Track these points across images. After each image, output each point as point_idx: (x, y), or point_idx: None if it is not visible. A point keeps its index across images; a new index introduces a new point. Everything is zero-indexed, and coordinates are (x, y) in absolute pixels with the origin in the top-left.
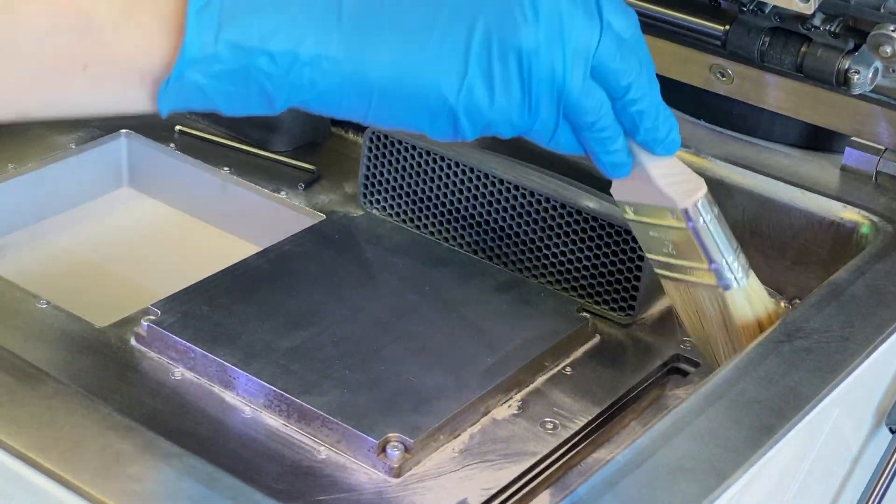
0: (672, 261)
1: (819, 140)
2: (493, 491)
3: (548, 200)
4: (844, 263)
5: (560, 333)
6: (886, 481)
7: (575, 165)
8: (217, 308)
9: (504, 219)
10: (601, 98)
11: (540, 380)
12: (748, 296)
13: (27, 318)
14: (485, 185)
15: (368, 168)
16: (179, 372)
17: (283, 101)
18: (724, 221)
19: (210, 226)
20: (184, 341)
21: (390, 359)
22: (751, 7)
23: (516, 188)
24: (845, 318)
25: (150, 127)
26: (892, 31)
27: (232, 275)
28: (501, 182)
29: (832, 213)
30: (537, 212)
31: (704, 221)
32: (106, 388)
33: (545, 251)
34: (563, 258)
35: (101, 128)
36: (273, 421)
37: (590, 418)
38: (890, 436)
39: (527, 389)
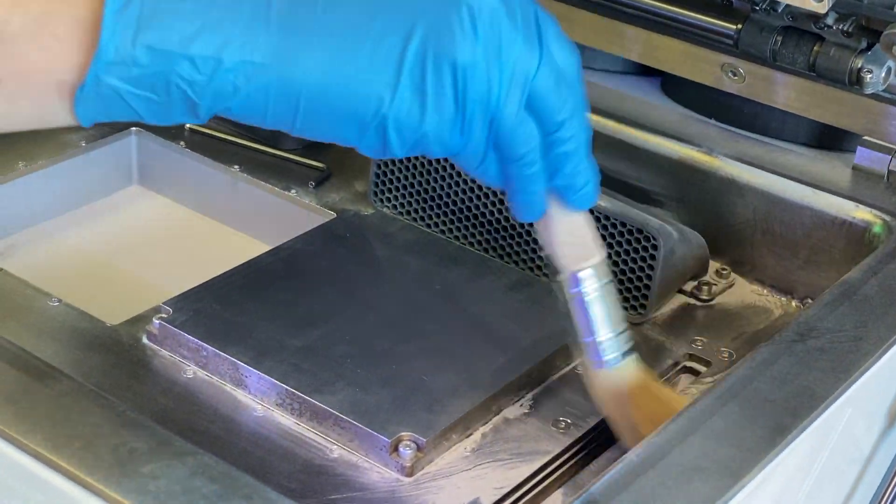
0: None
1: (831, 139)
2: (506, 490)
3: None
4: (856, 263)
5: (572, 332)
6: None
7: None
8: (228, 306)
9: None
10: (532, 131)
11: (552, 379)
12: (618, 379)
13: (39, 316)
14: None
15: (379, 166)
16: (191, 370)
17: (206, 108)
18: (611, 296)
19: (220, 224)
20: (196, 339)
21: (402, 357)
22: (763, 6)
23: None
24: (858, 317)
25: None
26: None
27: (243, 273)
28: None
29: (844, 212)
30: None
31: (585, 293)
32: (118, 386)
33: None
34: None
35: (111, 126)
36: (285, 419)
37: (602, 417)
38: None
39: (539, 388)
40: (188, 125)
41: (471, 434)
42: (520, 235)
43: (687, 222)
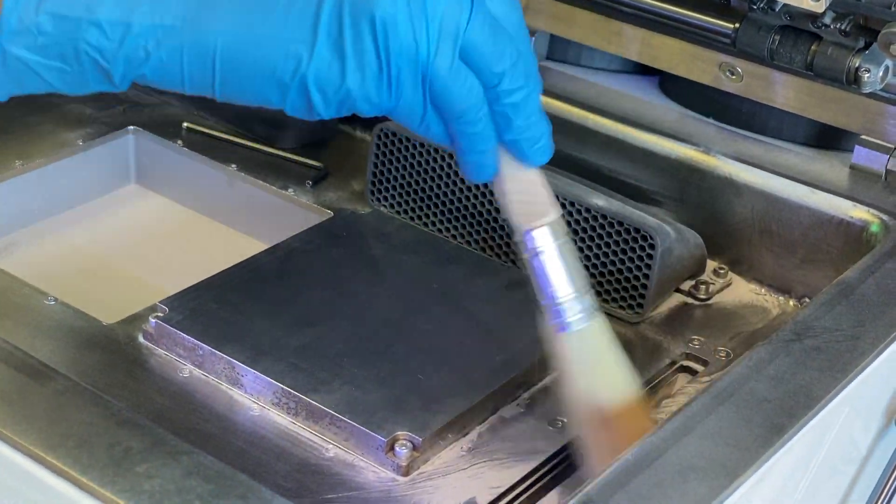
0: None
1: (828, 138)
2: (502, 489)
3: (556, 198)
4: (854, 262)
5: None
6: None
7: (583, 163)
8: (225, 305)
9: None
10: (472, 84)
11: (548, 378)
12: (584, 340)
13: (35, 315)
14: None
15: (376, 165)
16: (188, 369)
17: (120, 75)
18: (571, 256)
19: (217, 222)
20: (192, 338)
21: (398, 357)
22: (761, 5)
23: None
24: (855, 317)
25: (158, 124)
26: None
27: (240, 272)
28: None
29: (842, 211)
30: None
31: (539, 252)
32: (114, 385)
33: None
34: None
35: (108, 125)
36: (281, 419)
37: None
38: None
39: (535, 388)
40: (186, 124)
41: (467, 433)
42: None
43: (685, 221)
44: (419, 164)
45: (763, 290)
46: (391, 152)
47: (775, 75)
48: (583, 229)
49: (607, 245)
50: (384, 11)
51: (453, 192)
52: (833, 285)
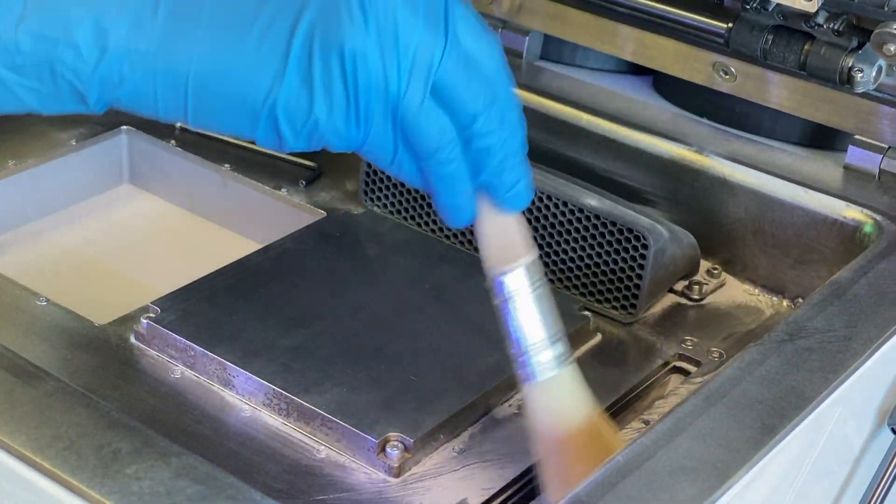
0: None
1: (822, 138)
2: (494, 490)
3: (549, 198)
4: (847, 262)
5: None
6: (888, 482)
7: (576, 163)
8: (217, 306)
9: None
10: (444, 123)
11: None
12: (551, 393)
13: (26, 315)
14: None
15: (370, 165)
16: (179, 370)
17: (95, 98)
18: (545, 301)
19: (210, 223)
20: (183, 339)
21: (391, 357)
22: (754, 5)
23: None
24: (848, 317)
25: (151, 124)
26: None
27: (232, 272)
28: None
29: (835, 211)
30: (539, 209)
31: (508, 298)
32: (105, 385)
33: (546, 249)
34: (564, 256)
35: (101, 124)
36: (272, 420)
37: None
38: (892, 436)
39: None
40: (178, 123)
41: (459, 434)
42: None
43: (678, 221)
44: None
45: (756, 291)
46: None
47: (769, 75)
48: (575, 229)
49: (600, 245)
50: (354, 44)
51: None
52: (826, 286)
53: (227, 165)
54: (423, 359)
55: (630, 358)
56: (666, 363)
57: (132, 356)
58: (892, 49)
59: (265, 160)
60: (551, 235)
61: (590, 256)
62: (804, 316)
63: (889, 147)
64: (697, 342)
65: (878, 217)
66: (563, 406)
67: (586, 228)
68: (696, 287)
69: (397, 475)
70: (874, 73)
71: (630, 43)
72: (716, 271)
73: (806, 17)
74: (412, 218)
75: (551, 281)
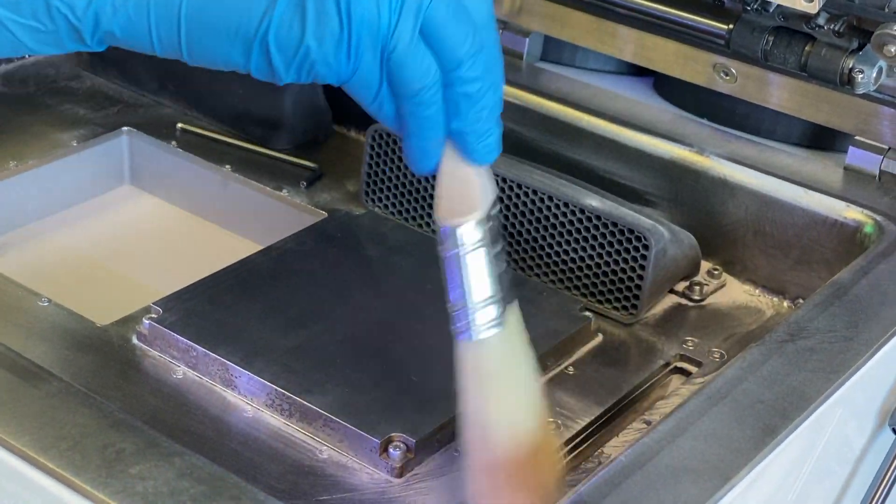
0: None
1: (822, 139)
2: None
3: (550, 199)
4: (848, 263)
5: (562, 333)
6: (889, 482)
7: (577, 164)
8: (219, 306)
9: (506, 217)
10: (429, 64)
11: (542, 379)
12: (479, 354)
13: (28, 316)
14: None
15: (371, 166)
16: (181, 371)
17: (90, 33)
18: (494, 260)
19: (211, 223)
20: (185, 340)
21: (392, 358)
22: (754, 6)
23: (518, 186)
24: (849, 318)
25: (152, 125)
26: None
27: (234, 273)
28: (504, 180)
29: (835, 212)
30: (540, 210)
31: (457, 251)
32: (107, 386)
33: (547, 250)
34: (565, 257)
35: (102, 125)
36: (275, 420)
37: (592, 418)
38: (893, 437)
39: None
40: (180, 124)
41: (461, 435)
42: (511, 236)
43: (679, 222)
44: None
45: (757, 291)
46: (385, 153)
47: (769, 76)
48: (577, 230)
49: (601, 246)
50: None
51: None
52: (826, 286)
53: (227, 166)
54: (424, 359)
55: (631, 358)
56: (667, 364)
57: (134, 357)
58: (892, 50)
59: (266, 161)
60: (552, 236)
61: (591, 257)
62: (805, 316)
63: (889, 148)
64: (698, 343)
65: (879, 218)
66: (497, 368)
67: (587, 229)
68: (697, 288)
69: (400, 475)
70: (874, 75)
71: (630, 44)
72: (716, 272)
73: (807, 18)
74: (413, 219)
75: (552, 282)
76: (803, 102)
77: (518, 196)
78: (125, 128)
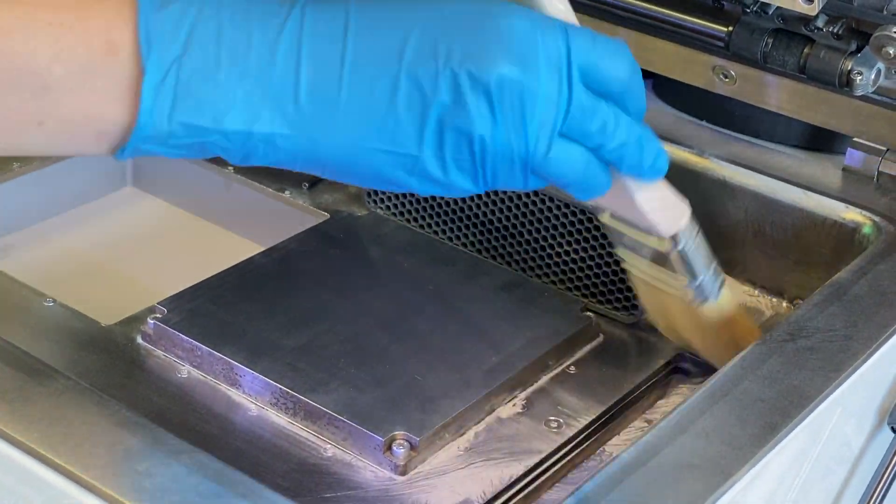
0: (647, 268)
1: (821, 141)
2: (499, 488)
3: (551, 200)
4: (846, 264)
5: (564, 333)
6: (888, 480)
7: None
8: (223, 306)
9: (508, 218)
10: (576, 159)
11: (544, 379)
12: (721, 307)
13: (33, 316)
14: None
15: None
16: (186, 370)
17: (237, 162)
18: (702, 238)
19: (214, 225)
20: (190, 339)
21: (395, 358)
22: (754, 9)
23: None
24: (848, 317)
25: None
26: (895, 32)
27: (237, 273)
28: None
29: (834, 213)
30: (541, 211)
31: (686, 245)
32: (112, 385)
33: (549, 251)
34: (566, 258)
35: None
36: (279, 419)
37: (594, 417)
38: (892, 435)
39: (531, 388)
40: None
41: (464, 433)
42: (512, 236)
43: None
44: None
45: (756, 292)
46: None
47: (768, 78)
48: (577, 231)
49: (602, 247)
50: (483, 132)
51: None
52: (826, 286)
53: (230, 168)
54: (426, 359)
55: (632, 358)
56: (667, 363)
57: (139, 356)
58: (890, 52)
59: None
60: (553, 237)
61: (592, 258)
62: (805, 316)
63: (887, 149)
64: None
65: (877, 219)
66: (733, 314)
67: (588, 230)
68: None
69: (403, 473)
70: (873, 76)
71: (630, 46)
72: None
73: (806, 20)
74: (415, 220)
75: (553, 282)
76: (802, 104)
77: (520, 197)
78: None
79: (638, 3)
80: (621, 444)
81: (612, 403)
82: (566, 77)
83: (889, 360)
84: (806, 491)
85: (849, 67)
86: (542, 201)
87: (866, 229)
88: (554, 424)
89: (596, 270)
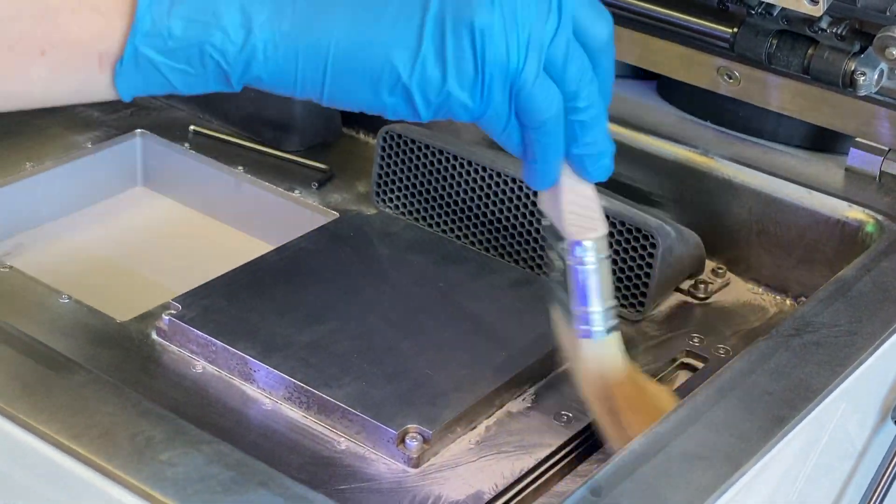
0: (558, 284)
1: (824, 141)
2: (511, 481)
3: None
4: (849, 262)
5: None
6: (892, 474)
7: None
8: (236, 303)
9: (515, 216)
10: (554, 97)
11: (553, 374)
12: (602, 351)
13: (50, 312)
14: (496, 184)
15: (381, 167)
16: (200, 365)
17: (238, 77)
18: (607, 272)
19: (224, 224)
20: (205, 335)
21: (407, 353)
22: (759, 10)
23: (527, 186)
24: (852, 313)
25: (165, 127)
26: None
27: (249, 271)
28: (513, 180)
29: (837, 212)
30: None
31: (583, 263)
32: (129, 380)
33: None
34: None
35: (116, 128)
36: (293, 413)
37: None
38: (895, 430)
39: (540, 383)
40: (192, 127)
41: (475, 427)
42: (520, 235)
43: (684, 222)
44: (424, 165)
45: (760, 290)
46: (396, 154)
47: (772, 79)
48: None
49: (609, 245)
50: (482, 21)
51: (457, 194)
52: (831, 283)
53: (240, 168)
54: (437, 354)
55: (639, 354)
56: (674, 359)
57: (154, 352)
58: (894, 53)
59: (278, 163)
60: None
61: None
62: (810, 312)
63: (890, 149)
64: (704, 339)
65: (880, 217)
66: (614, 363)
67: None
68: (702, 286)
69: (416, 466)
70: (876, 77)
71: (635, 47)
72: (721, 271)
73: (810, 21)
74: (423, 219)
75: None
76: (805, 105)
77: (527, 196)
78: (138, 130)
79: (643, 4)
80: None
81: None
82: (557, 5)
83: (893, 355)
84: (812, 482)
85: (852, 68)
86: None
87: (869, 227)
88: (563, 418)
89: None
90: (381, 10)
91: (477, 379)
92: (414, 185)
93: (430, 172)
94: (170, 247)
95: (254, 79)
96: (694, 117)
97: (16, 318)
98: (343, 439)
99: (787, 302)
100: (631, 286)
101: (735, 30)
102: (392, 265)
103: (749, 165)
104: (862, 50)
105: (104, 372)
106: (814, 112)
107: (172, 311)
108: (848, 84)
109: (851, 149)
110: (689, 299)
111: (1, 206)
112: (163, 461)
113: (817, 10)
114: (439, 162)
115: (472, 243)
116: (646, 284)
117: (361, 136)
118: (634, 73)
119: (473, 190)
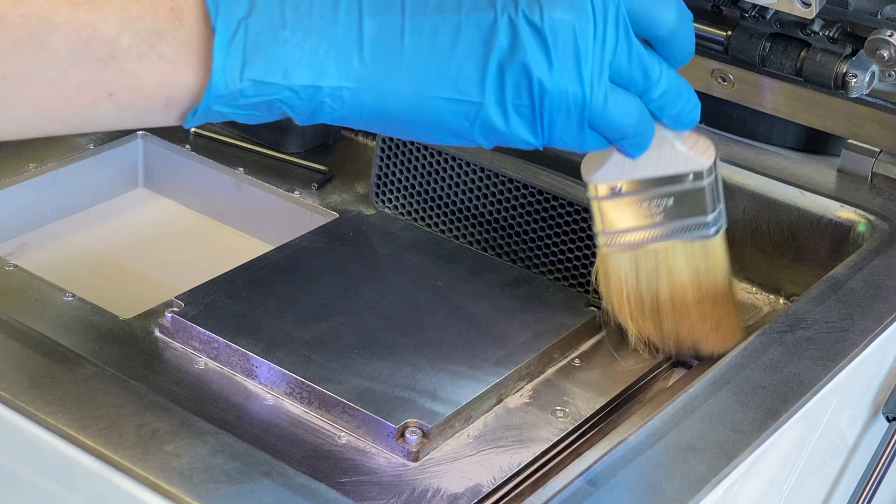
0: (647, 232)
1: (817, 143)
2: (508, 474)
3: (556, 199)
4: (841, 261)
5: (569, 326)
6: (883, 467)
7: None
8: (238, 301)
9: (514, 217)
10: (631, 105)
11: (550, 371)
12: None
13: (54, 309)
14: (494, 184)
15: (381, 168)
16: (203, 361)
17: (303, 121)
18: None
19: (225, 225)
20: (207, 332)
21: (406, 350)
22: (752, 13)
23: (525, 187)
24: (845, 310)
25: (166, 129)
26: (889, 35)
27: (251, 269)
28: (511, 181)
29: (830, 212)
30: (546, 210)
31: (718, 174)
32: (132, 376)
33: (553, 248)
34: (570, 255)
35: (118, 130)
36: (295, 408)
37: (598, 407)
38: (886, 425)
39: (538, 380)
40: (193, 129)
41: (473, 422)
42: (517, 234)
43: None
44: (423, 166)
45: (754, 289)
46: (395, 155)
47: (766, 81)
48: (581, 228)
49: None
50: (540, 73)
51: (455, 194)
52: (823, 280)
53: (240, 169)
54: (435, 351)
55: (634, 351)
56: (669, 356)
57: (157, 348)
58: (884, 55)
59: (277, 164)
60: (558, 235)
61: (594, 255)
62: (803, 308)
63: (881, 150)
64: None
65: (871, 217)
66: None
67: (590, 227)
68: None
69: (416, 459)
70: (867, 79)
71: None
72: None
73: (802, 24)
74: (422, 219)
75: (557, 278)
76: (798, 107)
77: (525, 196)
78: (140, 132)
79: None
80: (624, 433)
81: (615, 395)
82: (614, 18)
83: (884, 351)
84: (804, 476)
85: (844, 70)
86: (547, 199)
87: (861, 227)
88: (560, 414)
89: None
90: (444, 65)
91: (475, 375)
92: (412, 186)
93: (429, 173)
94: (171, 247)
95: (320, 121)
96: None
97: (21, 316)
98: (344, 434)
99: (780, 301)
100: None
101: (729, 33)
102: (391, 264)
103: (743, 166)
104: (853, 52)
105: (108, 368)
106: (806, 114)
107: (175, 309)
108: (840, 86)
109: (843, 150)
110: None
111: (5, 207)
112: (168, 452)
113: (810, 13)
114: (437, 163)
115: (471, 243)
116: None
117: (360, 138)
118: None
119: (472, 190)
